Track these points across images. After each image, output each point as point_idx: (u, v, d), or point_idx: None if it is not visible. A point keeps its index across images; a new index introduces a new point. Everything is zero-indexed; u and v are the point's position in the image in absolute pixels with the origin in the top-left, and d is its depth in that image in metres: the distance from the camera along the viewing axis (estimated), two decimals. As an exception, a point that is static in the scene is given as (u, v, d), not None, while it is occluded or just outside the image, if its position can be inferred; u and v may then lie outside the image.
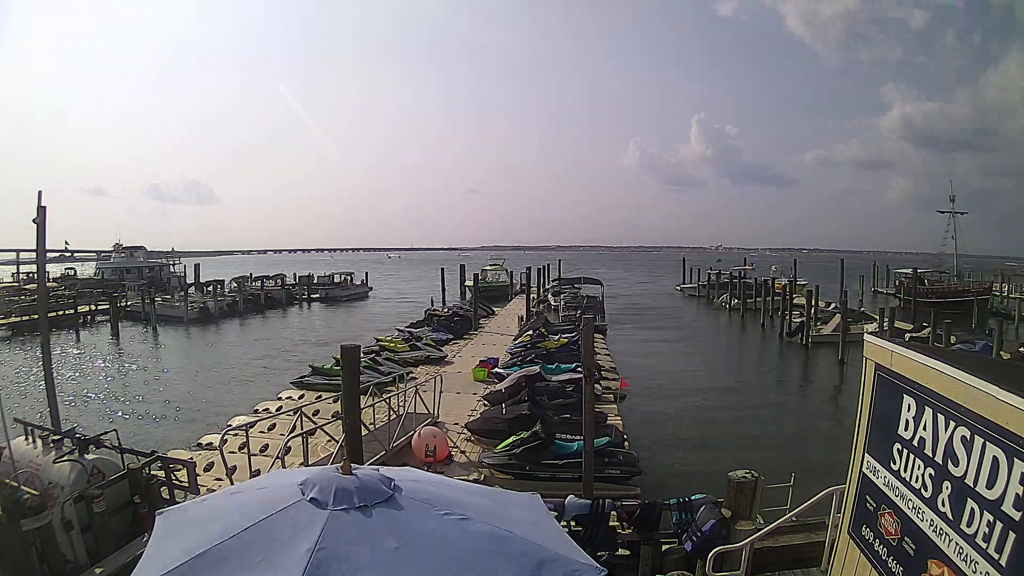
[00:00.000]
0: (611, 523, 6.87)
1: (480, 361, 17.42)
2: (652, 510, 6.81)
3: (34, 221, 8.08)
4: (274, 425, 11.45)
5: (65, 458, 6.54)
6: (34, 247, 8.49)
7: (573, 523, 6.64)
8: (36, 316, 20.61)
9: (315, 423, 10.36)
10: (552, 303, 32.34)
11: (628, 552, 6.83)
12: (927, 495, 3.50)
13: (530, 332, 20.79)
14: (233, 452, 9.68)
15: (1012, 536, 2.83)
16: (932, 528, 3.43)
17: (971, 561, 3.08)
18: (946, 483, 3.34)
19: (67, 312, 32.58)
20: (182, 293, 39.91)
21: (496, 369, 16.20)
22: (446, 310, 29.48)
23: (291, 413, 10.61)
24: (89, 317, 34.97)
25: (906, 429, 3.77)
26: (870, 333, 11.15)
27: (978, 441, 3.10)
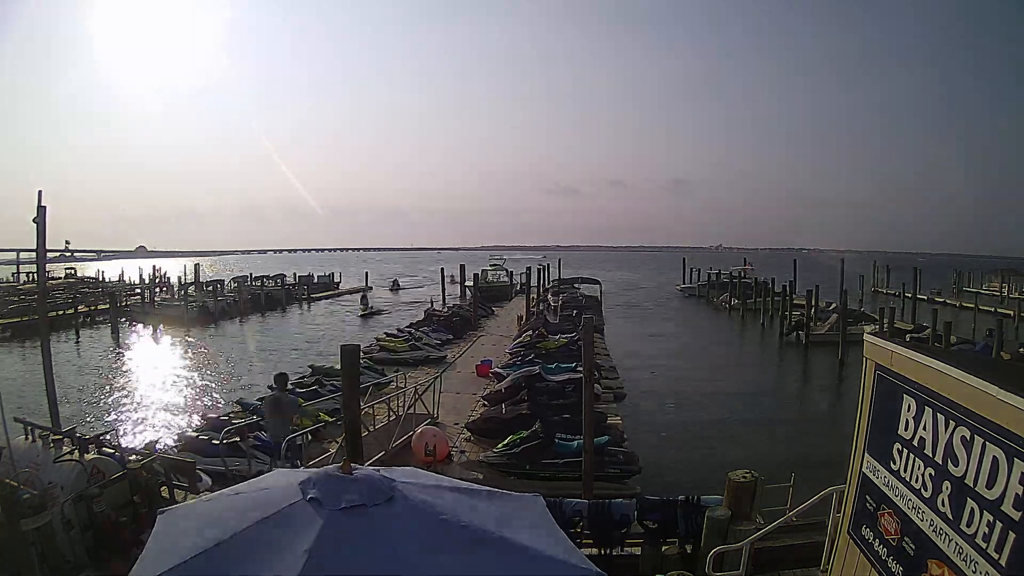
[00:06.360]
0: (619, 520, 6.79)
1: (480, 361, 17.45)
2: (672, 509, 6.53)
3: (34, 221, 8.04)
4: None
5: (65, 458, 6.53)
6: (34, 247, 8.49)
7: (576, 520, 6.61)
8: (36, 316, 20.66)
9: (315, 422, 10.34)
10: (551, 303, 32.31)
11: (627, 552, 6.81)
12: (927, 495, 3.50)
13: (530, 332, 20.82)
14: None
15: (1012, 536, 2.83)
16: (932, 528, 3.43)
17: (971, 561, 3.08)
18: (946, 483, 3.34)
19: (67, 312, 32.59)
20: (182, 292, 39.97)
21: (496, 369, 16.21)
22: (446, 310, 29.50)
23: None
24: (88, 317, 34.97)
25: (906, 429, 3.77)
26: (870, 333, 11.14)
27: (978, 441, 3.10)
